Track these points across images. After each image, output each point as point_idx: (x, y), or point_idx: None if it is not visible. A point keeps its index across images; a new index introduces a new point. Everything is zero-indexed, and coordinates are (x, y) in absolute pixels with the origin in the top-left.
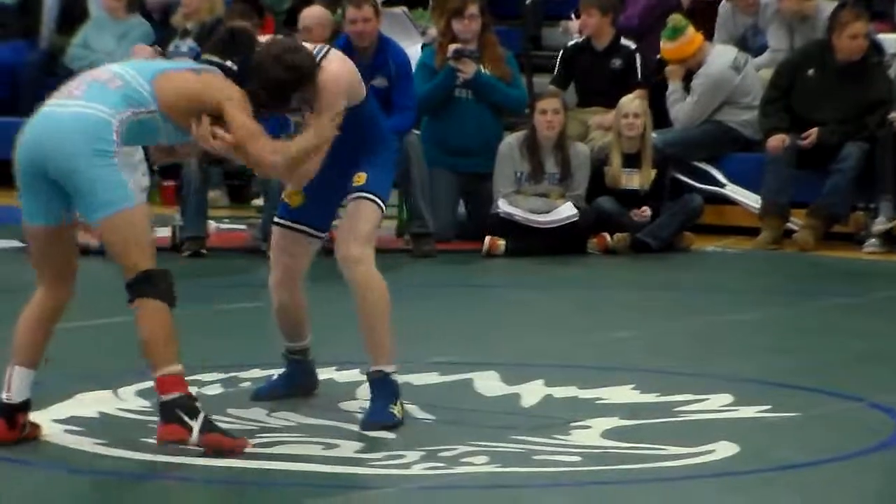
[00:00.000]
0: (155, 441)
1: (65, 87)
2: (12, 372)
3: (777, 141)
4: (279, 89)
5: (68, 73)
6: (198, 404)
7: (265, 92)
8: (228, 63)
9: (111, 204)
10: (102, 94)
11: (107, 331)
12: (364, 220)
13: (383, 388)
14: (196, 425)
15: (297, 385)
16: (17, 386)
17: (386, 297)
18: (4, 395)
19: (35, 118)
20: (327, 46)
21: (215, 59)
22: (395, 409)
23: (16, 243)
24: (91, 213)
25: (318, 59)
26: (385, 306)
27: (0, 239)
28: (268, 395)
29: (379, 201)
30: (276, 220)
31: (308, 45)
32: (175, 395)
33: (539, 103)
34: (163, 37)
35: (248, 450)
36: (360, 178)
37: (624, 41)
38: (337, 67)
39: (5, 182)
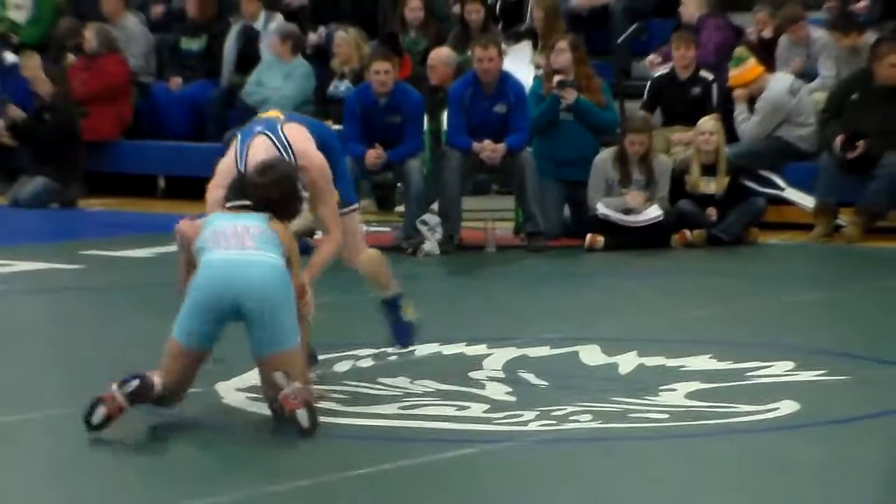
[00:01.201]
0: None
1: (230, 238)
2: None
3: (839, 140)
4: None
5: (245, 107)
6: None
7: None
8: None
9: (291, 339)
10: (267, 243)
11: None
12: (352, 234)
13: (393, 306)
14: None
15: None
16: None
17: (376, 257)
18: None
19: (227, 269)
20: (282, 118)
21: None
22: (408, 313)
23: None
24: (273, 345)
25: (278, 130)
26: (379, 262)
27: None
28: None
29: (355, 205)
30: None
31: (266, 115)
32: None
33: (630, 135)
34: (323, 76)
35: (395, 411)
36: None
37: (703, 73)
38: (314, 156)
39: (189, 195)
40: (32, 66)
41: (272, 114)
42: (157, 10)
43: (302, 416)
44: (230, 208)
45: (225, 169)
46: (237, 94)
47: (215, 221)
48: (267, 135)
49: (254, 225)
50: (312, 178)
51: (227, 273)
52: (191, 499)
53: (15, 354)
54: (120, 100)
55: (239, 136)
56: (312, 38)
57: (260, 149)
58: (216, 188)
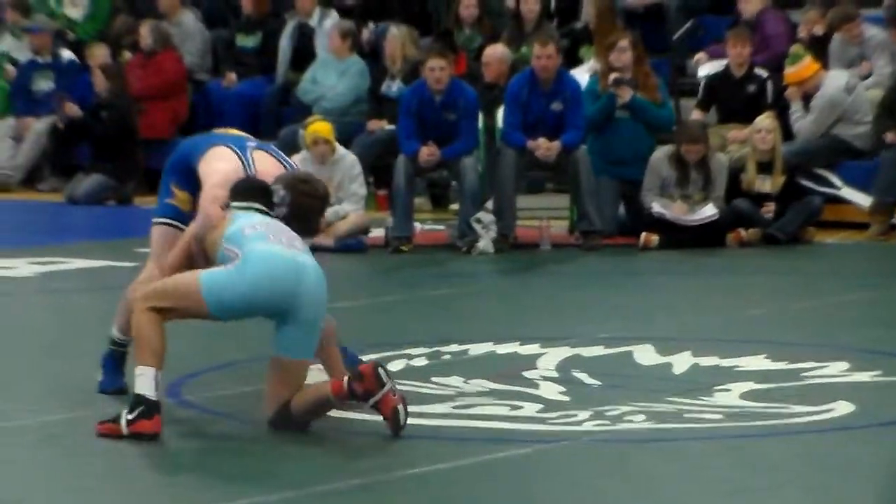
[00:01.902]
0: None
1: (280, 236)
2: (159, 375)
3: (891, 136)
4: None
5: (300, 104)
6: None
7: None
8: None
9: (312, 351)
10: (306, 248)
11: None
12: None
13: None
14: None
15: None
16: (162, 387)
17: None
18: (156, 395)
19: (291, 264)
20: (254, 143)
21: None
22: None
23: None
24: (294, 352)
25: (244, 154)
26: None
27: None
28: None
29: None
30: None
31: (232, 132)
32: None
33: (684, 146)
34: (376, 74)
35: (448, 410)
36: None
37: (757, 70)
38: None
39: None
40: (101, 56)
41: (235, 132)
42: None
43: (402, 411)
44: (238, 208)
45: (230, 174)
46: (292, 91)
47: (254, 216)
48: (266, 150)
49: (285, 227)
50: None
51: (296, 272)
52: (241, 497)
53: (71, 352)
54: (175, 97)
55: (233, 145)
56: (364, 35)
57: (268, 162)
58: (221, 188)
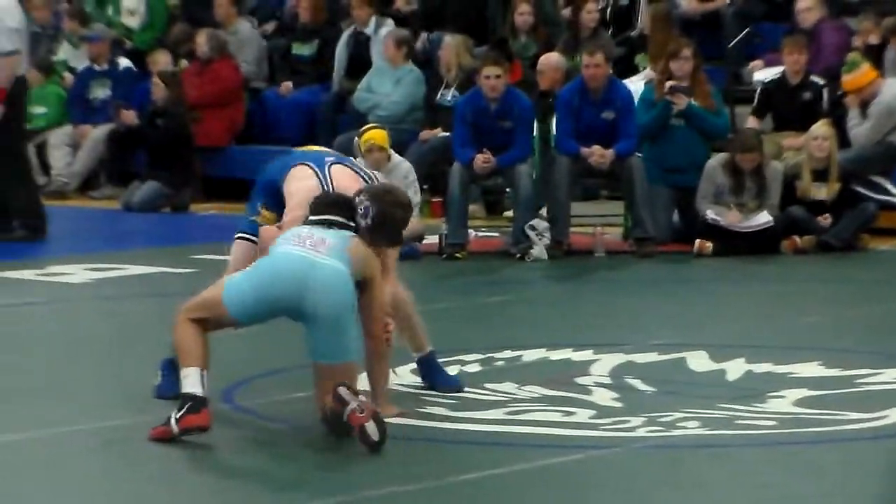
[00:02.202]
0: (420, 410)
1: (305, 239)
2: (204, 374)
3: None
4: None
5: (356, 113)
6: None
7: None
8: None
9: (347, 353)
10: (339, 255)
11: None
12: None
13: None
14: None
15: None
16: (207, 385)
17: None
18: (203, 391)
19: (300, 264)
20: (332, 159)
21: (342, 220)
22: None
23: None
24: (326, 355)
25: (322, 171)
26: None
27: None
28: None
29: None
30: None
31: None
32: None
33: (738, 155)
34: (431, 83)
35: (501, 416)
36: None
37: (813, 77)
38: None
39: None
40: (163, 63)
41: (316, 148)
42: (268, 26)
43: (371, 429)
44: (315, 222)
45: (309, 192)
46: (348, 99)
47: (302, 229)
48: (345, 164)
49: (332, 240)
50: None
51: (303, 271)
52: (293, 503)
53: (127, 359)
54: (232, 105)
55: (312, 163)
56: (418, 44)
57: (346, 176)
58: (301, 208)
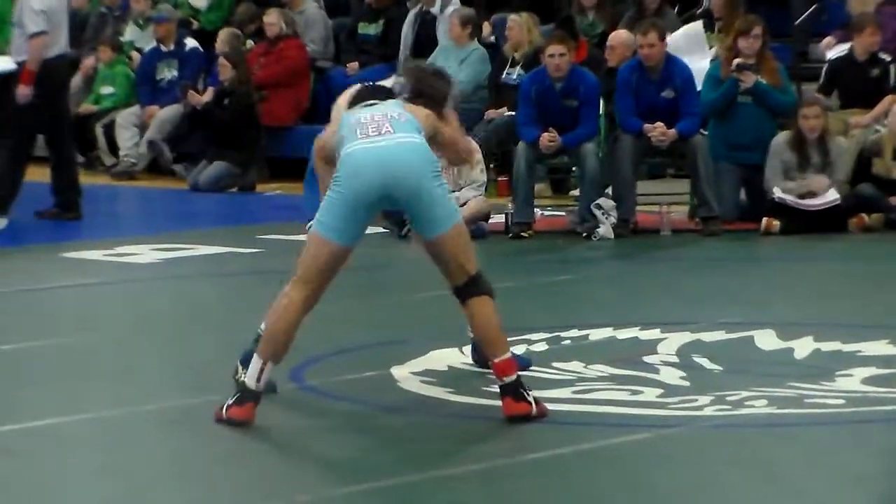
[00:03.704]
0: (487, 389)
1: (366, 126)
2: (266, 367)
3: None
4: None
5: None
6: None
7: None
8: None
9: (450, 218)
10: (406, 126)
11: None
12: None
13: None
14: (532, 399)
15: None
16: (265, 379)
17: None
18: (255, 385)
19: (370, 155)
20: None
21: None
22: None
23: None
24: (433, 227)
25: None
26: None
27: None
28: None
29: None
30: None
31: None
32: (513, 376)
33: (802, 110)
34: (495, 62)
35: (569, 395)
36: None
37: (882, 54)
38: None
39: None
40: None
41: None
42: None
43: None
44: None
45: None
46: None
47: (350, 117)
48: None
49: (391, 111)
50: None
51: (374, 161)
52: (361, 482)
53: (193, 338)
54: (298, 85)
55: None
56: (484, 25)
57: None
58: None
